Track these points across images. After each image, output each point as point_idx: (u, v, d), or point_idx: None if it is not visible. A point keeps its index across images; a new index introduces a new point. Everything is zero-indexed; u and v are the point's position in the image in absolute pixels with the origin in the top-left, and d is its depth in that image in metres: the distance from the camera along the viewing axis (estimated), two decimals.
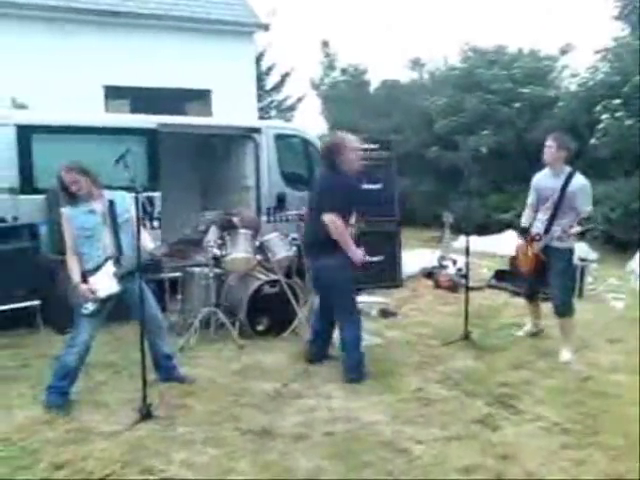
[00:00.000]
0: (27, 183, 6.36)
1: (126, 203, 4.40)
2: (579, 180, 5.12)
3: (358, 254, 4.69)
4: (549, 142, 5.19)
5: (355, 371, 4.72)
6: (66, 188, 4.28)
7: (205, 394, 4.46)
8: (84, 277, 4.25)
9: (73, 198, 4.30)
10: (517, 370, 4.95)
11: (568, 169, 5.19)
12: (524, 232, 5.51)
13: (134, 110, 10.89)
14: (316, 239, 4.79)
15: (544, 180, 5.31)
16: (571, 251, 5.29)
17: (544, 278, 5.35)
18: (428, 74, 17.68)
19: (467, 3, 34.67)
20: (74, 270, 4.30)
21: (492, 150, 10.70)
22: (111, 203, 4.32)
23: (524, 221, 5.56)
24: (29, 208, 6.28)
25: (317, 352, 5.13)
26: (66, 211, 4.34)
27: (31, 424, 3.93)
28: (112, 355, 5.29)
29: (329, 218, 4.58)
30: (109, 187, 4.48)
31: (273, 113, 21.11)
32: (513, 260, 5.79)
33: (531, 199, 5.49)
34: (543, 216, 5.25)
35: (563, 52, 14.81)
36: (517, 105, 13.50)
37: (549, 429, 3.89)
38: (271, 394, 4.43)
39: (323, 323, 5.10)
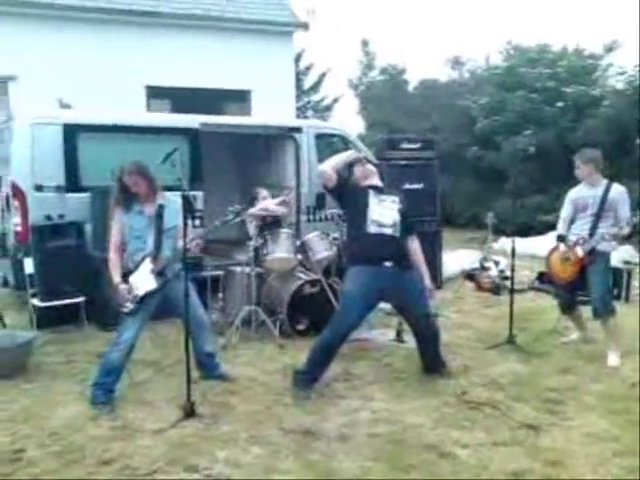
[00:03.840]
0: (73, 182, 6.46)
1: (176, 210, 4.34)
2: (618, 187, 5.27)
3: None
4: (576, 162, 5.35)
5: None
6: (125, 189, 4.31)
7: (247, 393, 4.47)
8: (125, 277, 4.28)
9: (129, 199, 4.33)
10: (564, 375, 4.85)
11: (605, 181, 5.31)
12: (561, 239, 5.52)
13: (175, 110, 11.01)
14: None
15: (581, 192, 5.40)
16: (609, 254, 5.36)
17: (580, 287, 5.45)
18: (468, 73, 17.51)
19: (508, 1, 34.25)
20: (115, 270, 4.32)
21: (534, 150, 10.54)
22: (161, 207, 4.32)
23: (561, 230, 5.57)
24: (75, 206, 6.38)
25: None
26: (119, 210, 4.38)
27: (78, 420, 3.98)
28: (154, 353, 5.33)
29: None
30: None
31: (310, 113, 21.14)
32: (548, 269, 5.73)
33: (565, 212, 5.52)
34: (582, 224, 5.31)
35: (609, 50, 14.50)
36: (560, 104, 13.26)
37: (598, 435, 3.79)
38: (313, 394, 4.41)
39: None
